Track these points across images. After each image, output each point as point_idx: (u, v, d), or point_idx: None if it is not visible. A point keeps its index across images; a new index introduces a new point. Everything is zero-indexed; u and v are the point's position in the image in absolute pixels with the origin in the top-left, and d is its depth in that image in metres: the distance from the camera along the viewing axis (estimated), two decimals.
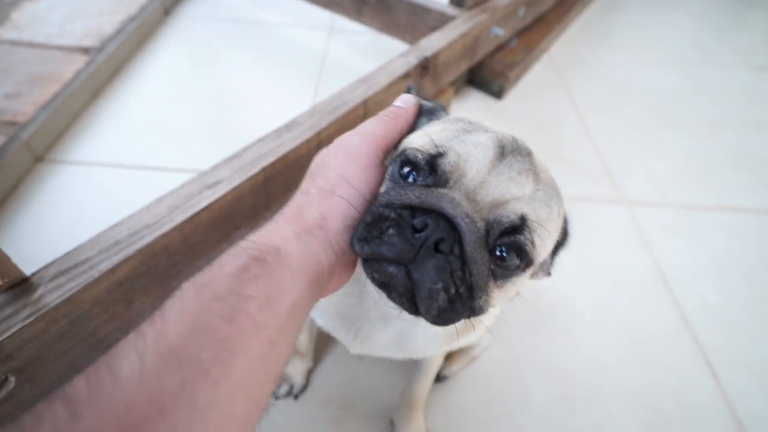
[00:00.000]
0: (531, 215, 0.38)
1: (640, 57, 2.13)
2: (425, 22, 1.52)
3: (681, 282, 1.18)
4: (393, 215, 0.37)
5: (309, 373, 0.93)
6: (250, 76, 1.73)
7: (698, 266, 1.23)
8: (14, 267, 0.62)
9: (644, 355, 1.03)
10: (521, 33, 1.91)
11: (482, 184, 0.39)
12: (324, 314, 0.62)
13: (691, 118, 1.78)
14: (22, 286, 0.63)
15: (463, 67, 1.49)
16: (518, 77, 1.81)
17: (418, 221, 0.36)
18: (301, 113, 0.98)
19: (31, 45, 1.54)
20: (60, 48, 1.54)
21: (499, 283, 0.40)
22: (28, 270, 0.65)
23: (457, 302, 0.37)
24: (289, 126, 0.95)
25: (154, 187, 1.31)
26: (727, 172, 1.54)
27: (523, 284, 0.44)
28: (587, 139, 1.63)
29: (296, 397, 0.89)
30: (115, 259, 0.68)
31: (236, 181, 0.83)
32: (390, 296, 0.39)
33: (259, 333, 0.33)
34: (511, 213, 0.38)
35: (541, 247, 0.40)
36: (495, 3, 1.54)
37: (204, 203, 0.78)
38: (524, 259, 0.40)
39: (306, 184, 0.44)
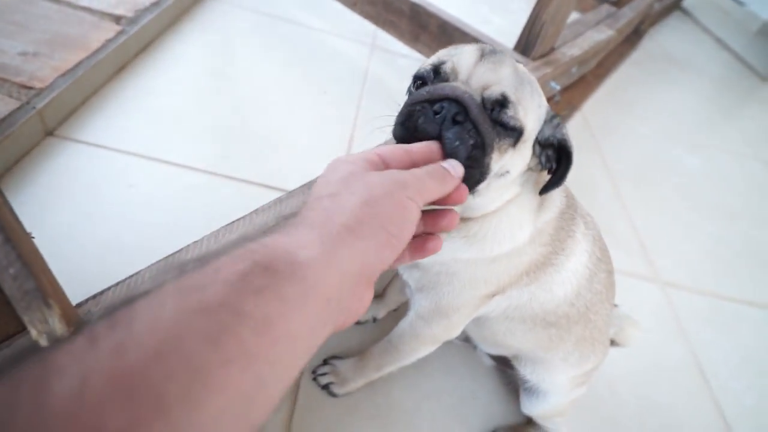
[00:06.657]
0: (509, 93, 0.51)
1: (663, 130, 2.17)
2: None
3: (718, 378, 1.16)
4: (418, 108, 0.49)
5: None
6: (286, 78, 1.62)
7: (731, 362, 1.21)
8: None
9: None
10: (564, 90, 1.89)
11: (471, 75, 0.52)
12: None
13: (713, 203, 1.81)
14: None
15: None
16: None
17: (436, 106, 0.49)
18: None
19: (57, 0, 1.36)
20: (89, 11, 1.37)
21: (502, 144, 0.51)
22: None
23: (473, 156, 0.48)
24: None
25: (178, 186, 1.18)
26: (748, 264, 1.56)
27: (525, 158, 0.55)
28: (622, 209, 1.61)
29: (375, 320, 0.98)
30: None
31: None
32: None
33: (247, 365, 0.25)
34: (494, 92, 0.51)
35: (524, 117, 0.52)
36: (557, 57, 1.52)
37: None
38: (515, 123, 0.51)
39: (327, 188, 0.38)
